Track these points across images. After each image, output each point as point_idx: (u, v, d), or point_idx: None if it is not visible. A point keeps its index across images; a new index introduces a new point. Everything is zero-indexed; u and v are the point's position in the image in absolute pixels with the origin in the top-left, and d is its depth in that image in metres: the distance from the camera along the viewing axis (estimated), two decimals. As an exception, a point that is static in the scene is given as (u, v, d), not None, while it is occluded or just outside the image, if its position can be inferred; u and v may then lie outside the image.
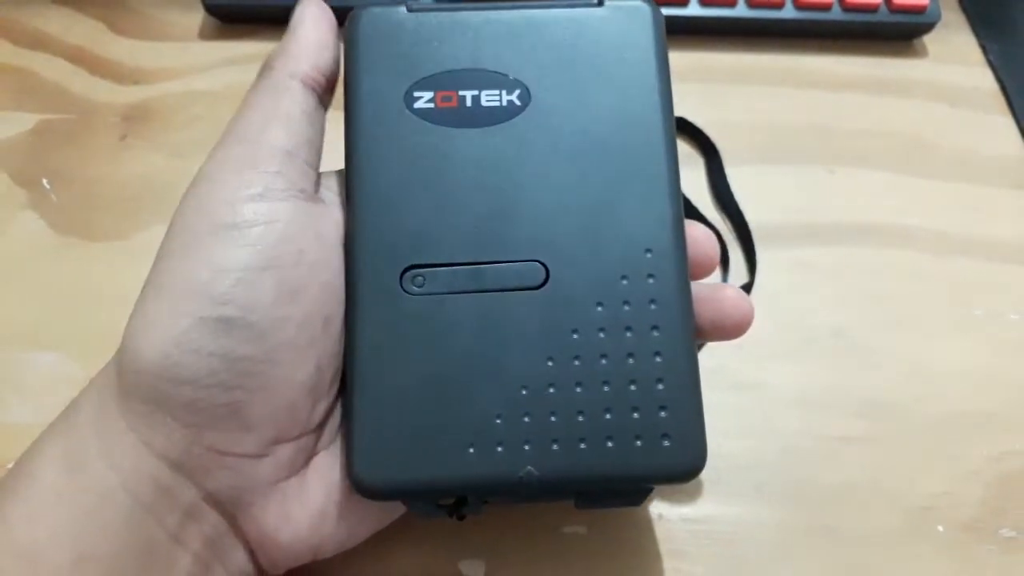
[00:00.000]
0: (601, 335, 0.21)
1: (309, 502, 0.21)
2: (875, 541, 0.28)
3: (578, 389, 0.21)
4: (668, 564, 0.27)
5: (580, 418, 0.21)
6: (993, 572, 0.27)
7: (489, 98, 0.23)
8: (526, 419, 0.21)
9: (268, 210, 0.20)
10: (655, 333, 0.21)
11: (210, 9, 0.41)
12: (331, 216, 0.22)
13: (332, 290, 0.21)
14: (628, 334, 0.21)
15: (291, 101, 0.22)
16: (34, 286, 0.33)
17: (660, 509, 0.28)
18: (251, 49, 0.41)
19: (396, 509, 0.23)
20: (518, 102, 0.23)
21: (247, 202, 0.20)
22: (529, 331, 0.21)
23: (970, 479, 0.29)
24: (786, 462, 0.29)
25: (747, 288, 0.33)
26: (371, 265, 0.22)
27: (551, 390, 0.21)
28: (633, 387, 0.21)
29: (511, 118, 0.23)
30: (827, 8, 0.41)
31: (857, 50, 0.42)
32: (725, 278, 0.33)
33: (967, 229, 0.36)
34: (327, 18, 0.24)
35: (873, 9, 0.40)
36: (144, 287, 0.20)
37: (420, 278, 0.22)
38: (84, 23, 0.42)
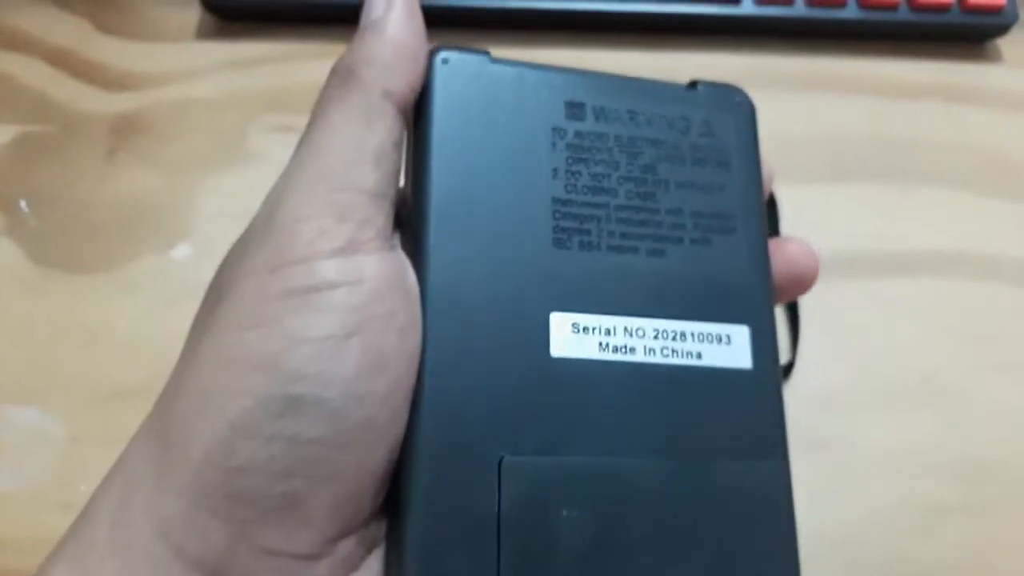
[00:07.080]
0: None
1: None
2: (983, 627, 0.24)
3: None
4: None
5: None
6: (1121, 665, 0.24)
7: None
8: None
9: (353, 267, 0.17)
10: None
11: (208, 5, 0.37)
12: (410, 267, 0.19)
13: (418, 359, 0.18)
14: None
15: (385, 131, 0.18)
16: (9, 327, 0.30)
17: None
18: (254, 51, 0.37)
19: None
20: None
21: (328, 258, 0.17)
22: None
23: (1085, 551, 0.26)
24: (875, 535, 0.26)
25: (788, 368, 0.29)
26: None
27: None
28: None
29: None
30: (894, 7, 0.37)
31: (925, 54, 0.38)
32: None
33: (1062, 257, 0.32)
34: (418, 17, 0.19)
35: (944, 9, 0.37)
36: (195, 359, 0.17)
37: None
38: (68, 21, 0.38)
